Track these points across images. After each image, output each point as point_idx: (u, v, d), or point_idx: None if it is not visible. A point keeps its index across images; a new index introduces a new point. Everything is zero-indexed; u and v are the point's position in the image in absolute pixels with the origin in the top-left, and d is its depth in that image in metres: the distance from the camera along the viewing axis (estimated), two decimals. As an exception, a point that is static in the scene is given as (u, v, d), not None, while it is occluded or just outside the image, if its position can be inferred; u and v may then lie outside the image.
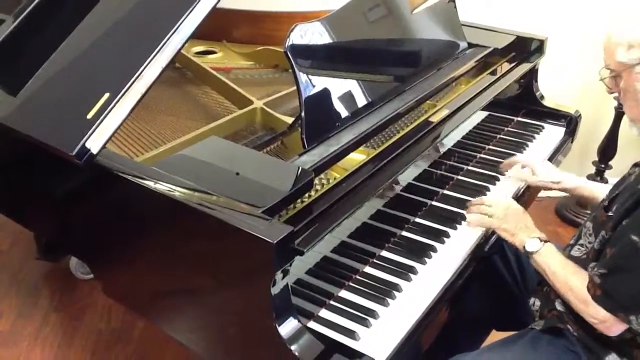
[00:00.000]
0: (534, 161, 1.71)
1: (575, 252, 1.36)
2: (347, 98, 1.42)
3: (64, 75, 1.30)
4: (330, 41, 1.42)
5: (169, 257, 1.20)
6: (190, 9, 1.23)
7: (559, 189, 1.69)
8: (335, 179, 1.30)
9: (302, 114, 1.29)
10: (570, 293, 1.26)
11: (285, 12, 2.20)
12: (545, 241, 1.36)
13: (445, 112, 1.58)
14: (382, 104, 1.51)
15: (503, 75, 1.87)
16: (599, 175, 2.88)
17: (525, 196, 1.74)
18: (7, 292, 2.31)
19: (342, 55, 1.46)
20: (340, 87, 1.41)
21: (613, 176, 2.92)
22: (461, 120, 1.61)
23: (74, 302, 2.28)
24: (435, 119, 1.54)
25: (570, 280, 1.27)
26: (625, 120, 2.75)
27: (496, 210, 1.47)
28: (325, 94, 1.36)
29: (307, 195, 1.19)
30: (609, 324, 1.21)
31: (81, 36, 1.35)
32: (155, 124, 1.58)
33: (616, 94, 1.39)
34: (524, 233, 1.40)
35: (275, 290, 1.04)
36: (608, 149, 2.80)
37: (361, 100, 1.46)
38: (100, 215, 1.30)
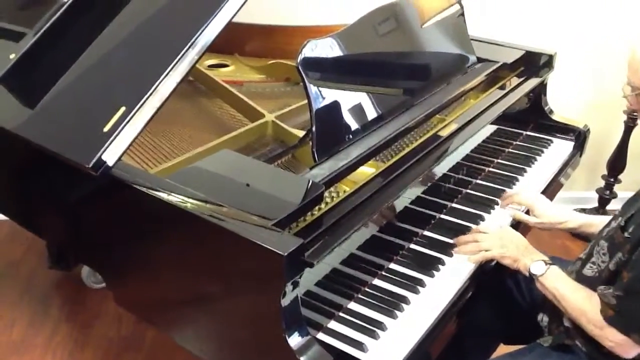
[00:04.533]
0: (534, 201, 1.63)
1: (587, 271, 1.34)
2: (358, 112, 1.44)
3: (80, 88, 1.33)
4: (341, 56, 1.44)
5: (181, 268, 1.22)
6: (206, 23, 1.26)
7: (562, 229, 1.62)
8: (344, 192, 1.32)
9: (313, 128, 1.31)
10: (584, 318, 1.25)
11: (297, 26, 2.24)
12: (550, 264, 1.36)
13: (454, 127, 1.60)
14: (392, 117, 1.53)
15: (512, 90, 1.88)
16: (608, 189, 2.88)
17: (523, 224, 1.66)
18: (19, 300, 2.34)
19: (352, 70, 1.48)
20: (351, 101, 1.43)
21: (622, 190, 2.92)
22: (470, 135, 1.62)
23: (85, 311, 2.31)
24: (445, 133, 1.56)
25: (583, 305, 1.26)
26: (634, 134, 2.76)
27: (493, 241, 1.45)
28: (335, 108, 1.38)
29: (317, 208, 1.21)
30: (627, 347, 1.21)
31: (98, 50, 1.38)
32: (168, 136, 1.61)
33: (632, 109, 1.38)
34: (527, 257, 1.39)
35: (285, 301, 1.06)
36: (617, 162, 2.81)
37: (371, 115, 1.48)
38: (113, 226, 1.32)
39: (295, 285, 1.07)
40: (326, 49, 1.40)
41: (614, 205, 2.93)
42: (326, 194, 1.24)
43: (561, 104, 2.26)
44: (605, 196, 2.89)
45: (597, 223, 1.56)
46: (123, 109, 1.22)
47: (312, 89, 1.33)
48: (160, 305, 1.33)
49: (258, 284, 1.09)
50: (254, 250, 1.03)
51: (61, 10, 1.40)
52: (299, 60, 1.31)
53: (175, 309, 1.29)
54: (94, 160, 1.17)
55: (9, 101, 1.37)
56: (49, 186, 1.45)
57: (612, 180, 2.85)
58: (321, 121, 1.33)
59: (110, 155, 1.19)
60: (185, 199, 1.14)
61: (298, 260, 1.04)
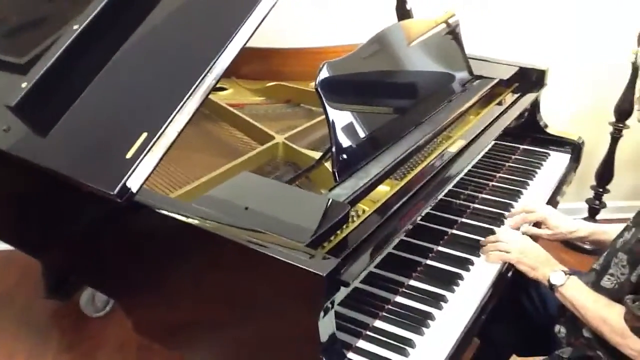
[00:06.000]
0: (548, 214, 1.66)
1: (605, 282, 1.36)
2: (372, 131, 1.46)
3: (98, 114, 1.32)
4: (354, 78, 1.46)
5: (209, 293, 1.20)
6: (223, 48, 1.27)
7: (573, 239, 1.66)
8: (363, 211, 1.33)
9: (333, 148, 1.32)
10: (605, 326, 1.27)
11: (292, 48, 2.26)
12: (570, 274, 1.38)
13: (462, 142, 1.63)
14: (403, 135, 1.55)
15: (512, 105, 1.93)
16: (597, 199, 2.95)
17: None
18: (16, 332, 2.28)
19: (365, 90, 1.51)
20: (365, 120, 1.45)
21: (611, 200, 2.99)
22: (480, 149, 1.66)
23: (86, 340, 2.27)
24: (454, 149, 1.59)
25: (604, 312, 1.28)
26: (620, 145, 2.84)
27: (513, 245, 1.49)
28: (352, 128, 1.40)
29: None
30: None
31: (112, 75, 1.36)
32: (178, 161, 1.59)
33: None
34: (546, 267, 1.41)
35: (322, 324, 1.05)
36: (605, 173, 2.88)
37: (384, 133, 1.50)
38: (134, 252, 1.30)
39: (327, 311, 1.06)
40: (340, 70, 1.41)
41: (604, 214, 3.00)
42: (347, 213, 1.25)
43: (547, 116, 2.30)
44: (595, 206, 2.96)
45: (607, 230, 1.59)
46: (145, 134, 1.21)
47: (331, 110, 1.34)
48: (187, 331, 1.31)
49: (294, 308, 1.08)
50: (291, 273, 1.03)
51: (75, 34, 1.39)
52: (317, 82, 1.32)
53: (203, 336, 1.28)
54: (118, 188, 1.16)
55: (25, 130, 1.35)
56: (64, 213, 1.42)
57: (601, 190, 2.92)
58: (340, 141, 1.35)
59: (134, 181, 1.18)
60: (215, 223, 1.13)
61: (335, 280, 1.05)
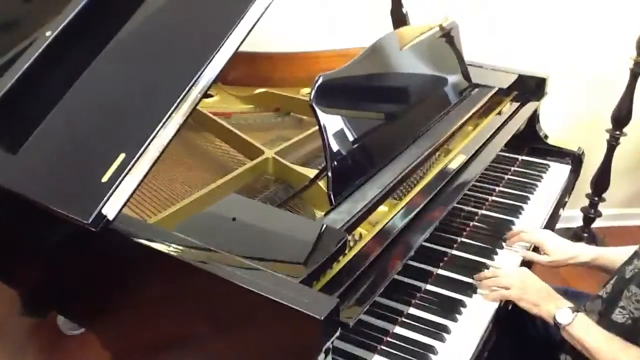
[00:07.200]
0: (543, 238, 1.57)
1: (617, 316, 1.27)
2: (369, 149, 1.36)
3: (71, 132, 1.20)
4: (350, 92, 1.37)
5: (195, 329, 1.10)
6: (211, 57, 1.16)
7: (575, 264, 1.55)
8: (361, 235, 1.24)
9: (329, 171, 1.22)
10: None
11: (282, 52, 2.16)
12: (577, 311, 1.28)
13: (463, 157, 1.54)
14: (401, 151, 1.46)
15: (513, 115, 1.84)
16: (592, 208, 2.88)
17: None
18: (-11, 352, 2.17)
19: (361, 105, 1.41)
20: (362, 138, 1.35)
21: (607, 207, 2.92)
22: (484, 164, 1.57)
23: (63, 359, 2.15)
24: (455, 165, 1.50)
25: (619, 356, 1.19)
26: (617, 153, 2.77)
27: (513, 281, 1.39)
28: (348, 146, 1.30)
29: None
30: None
31: (87, 89, 1.25)
32: (162, 177, 1.48)
33: None
34: (550, 303, 1.32)
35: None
36: (601, 181, 2.80)
37: (382, 150, 1.40)
38: (112, 284, 1.20)
39: (328, 352, 0.96)
40: (335, 84, 1.31)
41: (599, 223, 2.94)
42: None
43: (542, 123, 2.21)
44: (590, 215, 2.88)
45: (612, 255, 1.51)
46: (122, 156, 1.10)
47: (326, 127, 1.24)
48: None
49: (287, 351, 0.98)
50: (282, 314, 0.93)
51: (47, 42, 1.27)
52: (312, 98, 1.22)
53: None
54: (93, 215, 1.05)
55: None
56: (31, 237, 1.31)
57: (596, 199, 2.84)
58: (336, 161, 1.25)
59: (111, 208, 1.07)
60: (198, 255, 1.03)
61: (334, 322, 0.94)
